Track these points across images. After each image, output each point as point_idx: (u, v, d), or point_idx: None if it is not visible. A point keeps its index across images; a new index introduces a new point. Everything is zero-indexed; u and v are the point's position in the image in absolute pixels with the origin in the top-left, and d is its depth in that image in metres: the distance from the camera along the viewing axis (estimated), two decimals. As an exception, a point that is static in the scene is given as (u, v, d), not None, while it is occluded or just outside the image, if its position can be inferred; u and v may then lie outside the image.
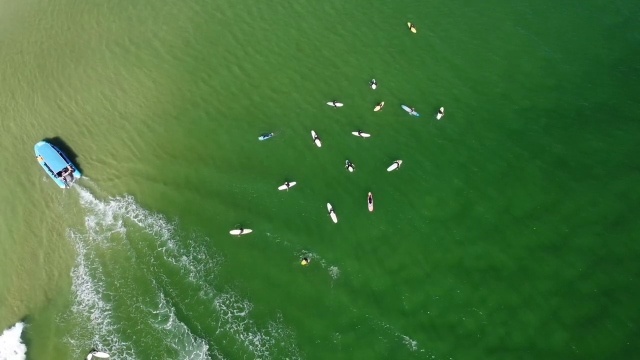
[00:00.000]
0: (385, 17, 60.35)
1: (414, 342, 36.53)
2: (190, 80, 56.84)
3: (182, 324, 39.09)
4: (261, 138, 48.76)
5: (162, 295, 40.75)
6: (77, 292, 41.95)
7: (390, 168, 45.62)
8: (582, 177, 43.61)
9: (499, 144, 46.61)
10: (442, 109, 49.41)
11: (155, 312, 39.96)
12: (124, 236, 44.51)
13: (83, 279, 42.53)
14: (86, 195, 47.84)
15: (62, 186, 48.30)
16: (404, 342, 36.69)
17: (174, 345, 38.29)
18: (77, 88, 58.46)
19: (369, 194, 43.70)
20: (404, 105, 49.95)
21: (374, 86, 52.02)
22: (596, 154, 45.03)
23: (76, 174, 48.95)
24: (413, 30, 57.37)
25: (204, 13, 64.63)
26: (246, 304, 39.67)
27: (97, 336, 39.38)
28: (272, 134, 48.69)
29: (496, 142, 46.78)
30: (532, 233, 40.97)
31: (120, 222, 45.56)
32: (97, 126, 54.08)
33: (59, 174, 48.32)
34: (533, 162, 45.03)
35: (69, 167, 48.67)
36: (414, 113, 49.17)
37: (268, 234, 42.95)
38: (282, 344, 37.57)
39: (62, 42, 64.93)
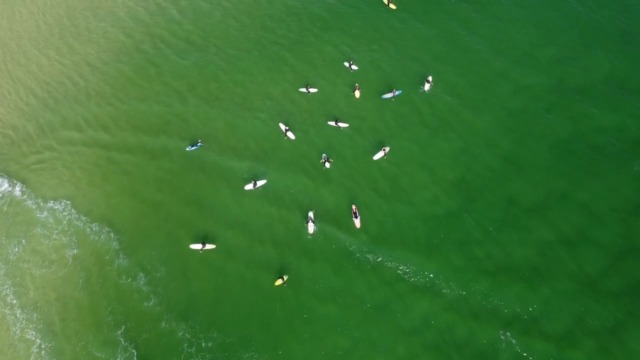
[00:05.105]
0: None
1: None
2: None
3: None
4: (189, 148, 41.40)
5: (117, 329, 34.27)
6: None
7: (377, 156, 39.49)
8: (594, 158, 37.99)
9: (497, 126, 40.60)
10: (430, 78, 43.19)
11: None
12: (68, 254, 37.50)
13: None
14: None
15: None
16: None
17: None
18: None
19: (354, 207, 37.05)
20: (383, 95, 43.04)
21: (354, 66, 45.39)
22: (607, 131, 39.40)
23: None
24: (392, 6, 50.74)
25: None
26: (215, 333, 33.34)
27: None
28: (199, 142, 41.50)
29: (494, 124, 40.75)
30: (543, 227, 35.32)
31: (51, 220, 38.61)
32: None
33: None
34: (538, 144, 39.21)
35: None
36: (397, 92, 42.89)
37: (235, 248, 36.40)
38: (260, 378, 31.49)
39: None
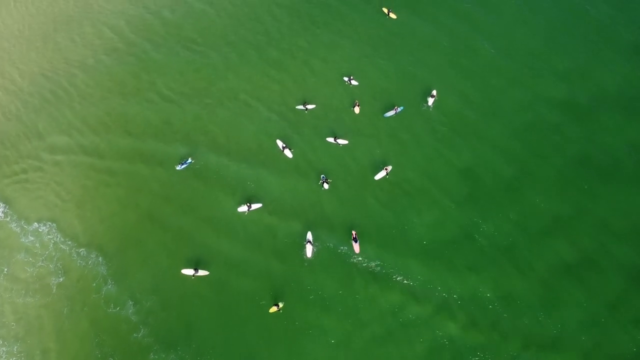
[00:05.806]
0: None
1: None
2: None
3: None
4: (179, 167, 39.27)
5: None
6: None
7: (379, 176, 37.67)
8: (609, 175, 36.22)
9: (506, 142, 38.79)
10: (434, 92, 41.30)
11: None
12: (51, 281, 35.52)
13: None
14: None
15: None
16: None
17: None
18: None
19: (354, 232, 35.00)
20: (385, 113, 41.01)
21: (354, 82, 43.48)
22: (623, 146, 37.63)
23: None
24: (392, 15, 49.08)
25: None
26: (206, 365, 31.47)
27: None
28: (190, 159, 39.54)
29: (502, 140, 38.94)
30: (554, 251, 33.57)
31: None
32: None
33: None
34: (549, 161, 37.45)
35: None
36: (399, 109, 41.05)
37: (230, 268, 34.53)
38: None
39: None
